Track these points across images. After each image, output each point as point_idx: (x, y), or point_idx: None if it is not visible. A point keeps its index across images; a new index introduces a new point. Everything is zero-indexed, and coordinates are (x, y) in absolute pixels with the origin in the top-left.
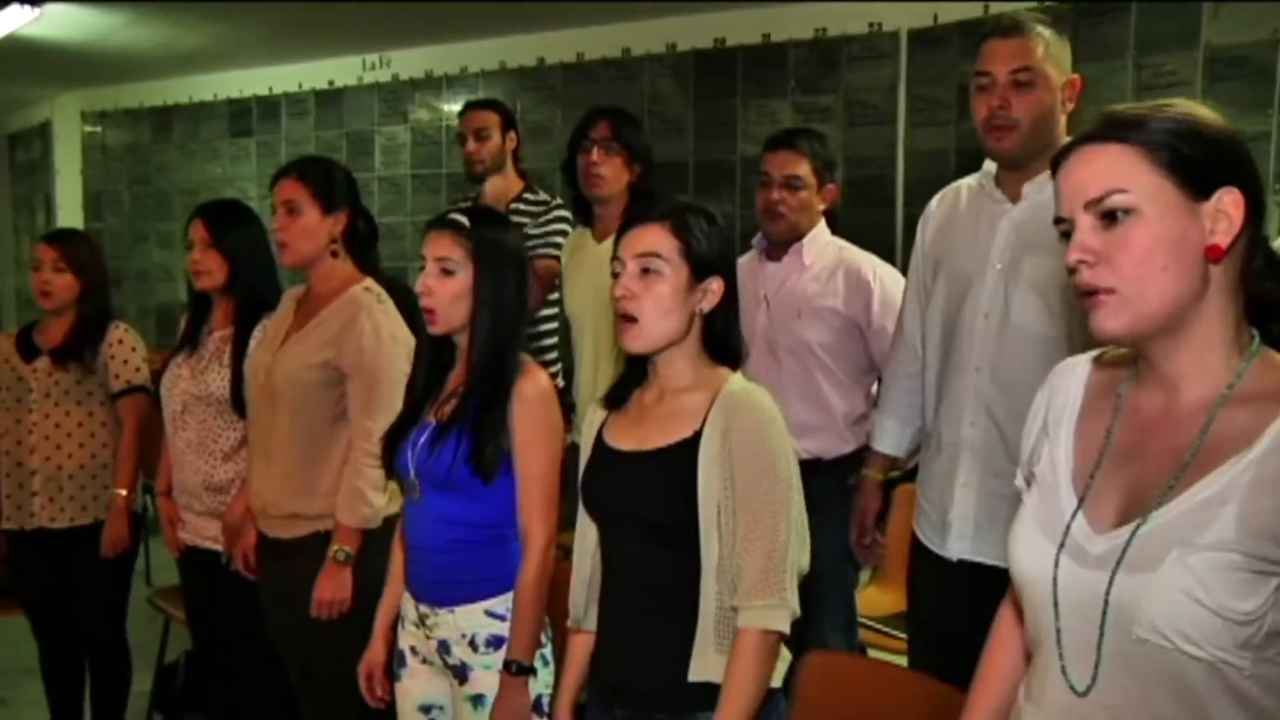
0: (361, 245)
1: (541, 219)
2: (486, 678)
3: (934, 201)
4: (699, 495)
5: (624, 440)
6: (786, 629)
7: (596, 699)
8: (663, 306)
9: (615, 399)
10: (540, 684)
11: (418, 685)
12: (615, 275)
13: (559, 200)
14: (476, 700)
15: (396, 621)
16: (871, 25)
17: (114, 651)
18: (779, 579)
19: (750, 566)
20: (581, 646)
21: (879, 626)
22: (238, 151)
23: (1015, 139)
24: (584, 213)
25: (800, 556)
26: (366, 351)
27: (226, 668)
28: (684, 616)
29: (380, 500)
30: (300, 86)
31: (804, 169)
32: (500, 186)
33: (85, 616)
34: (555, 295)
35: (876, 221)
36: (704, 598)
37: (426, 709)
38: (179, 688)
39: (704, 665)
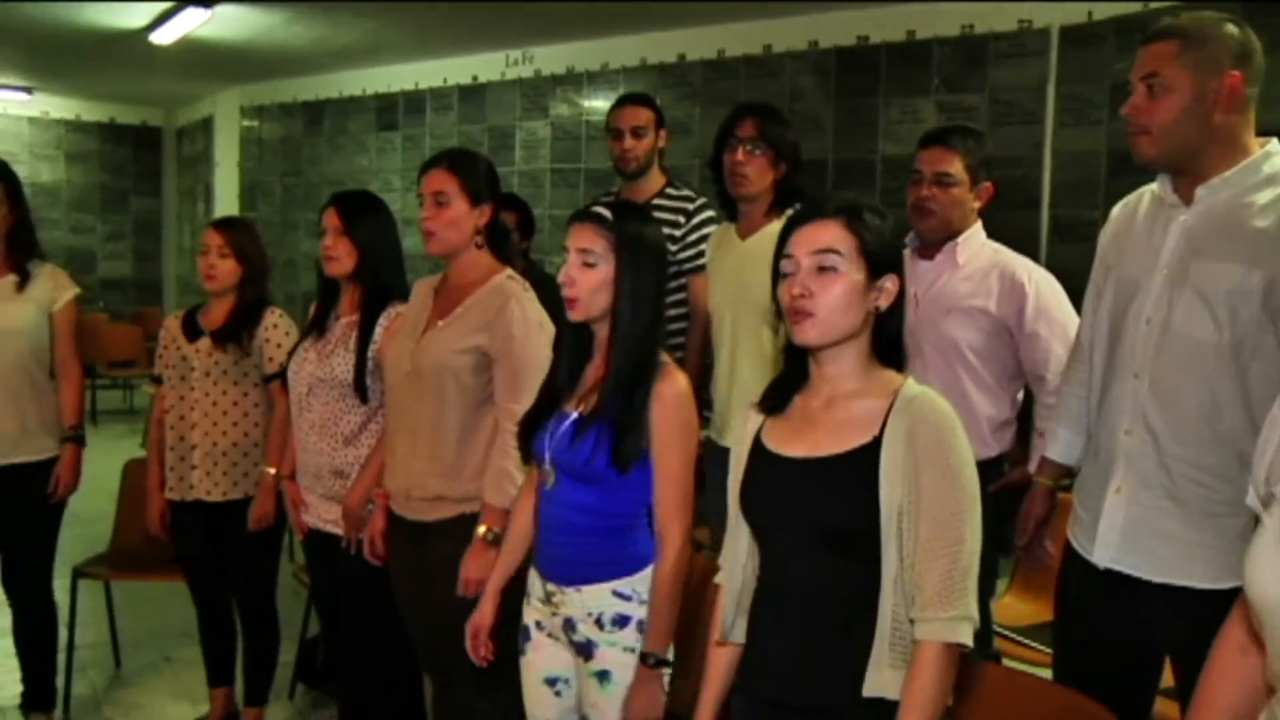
0: (500, 238)
1: (690, 222)
2: (611, 654)
3: (1116, 208)
4: (880, 502)
5: (792, 447)
6: (970, 642)
7: (750, 715)
8: (840, 305)
9: (774, 403)
10: None
11: (542, 658)
12: (785, 275)
13: (703, 199)
14: (602, 676)
15: (507, 593)
16: (1021, 22)
17: (263, 620)
18: (961, 589)
19: (932, 576)
20: (725, 660)
21: (1016, 636)
22: (383, 144)
23: (1148, 145)
24: (729, 208)
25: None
26: (516, 338)
27: (352, 645)
28: (858, 629)
29: (522, 478)
30: (445, 81)
31: (956, 166)
32: (645, 183)
33: (237, 586)
34: (679, 283)
35: (1021, 224)
36: (882, 609)
37: (551, 681)
38: (320, 660)
39: (879, 680)
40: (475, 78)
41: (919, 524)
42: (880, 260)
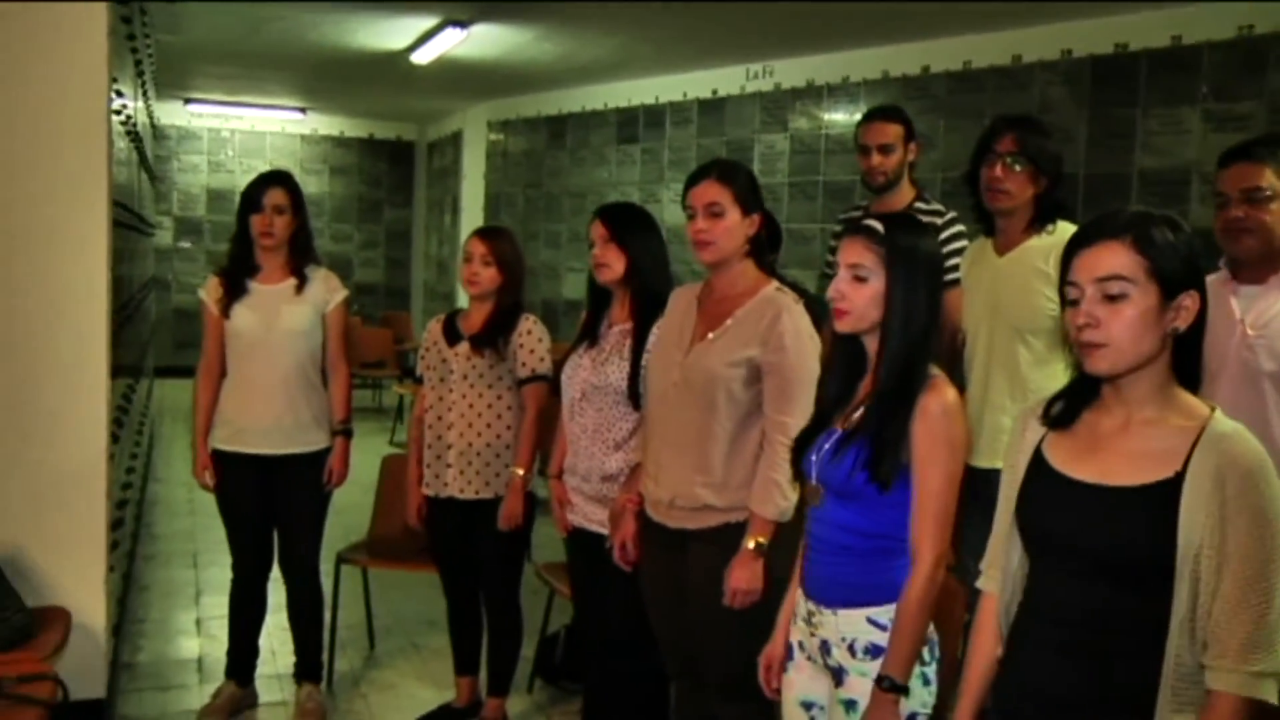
0: (761, 249)
1: (938, 237)
2: (861, 684)
3: None
4: (1179, 542)
5: (1081, 469)
6: (1274, 699)
7: None
8: (1133, 332)
9: (1060, 418)
10: (917, 702)
11: (801, 680)
12: (1072, 302)
13: (952, 213)
14: (849, 705)
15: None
16: None
17: (508, 615)
18: (1269, 643)
19: (1239, 629)
20: (986, 671)
21: None
22: (623, 158)
23: None
24: (986, 223)
25: None
26: (789, 350)
27: (604, 645)
28: (1128, 665)
29: (794, 495)
30: (685, 95)
31: (1267, 178)
32: (893, 197)
33: (485, 580)
34: None
35: None
36: (1169, 652)
37: (807, 706)
38: (558, 657)
39: None
40: (715, 91)
41: (1225, 572)
42: (1175, 279)
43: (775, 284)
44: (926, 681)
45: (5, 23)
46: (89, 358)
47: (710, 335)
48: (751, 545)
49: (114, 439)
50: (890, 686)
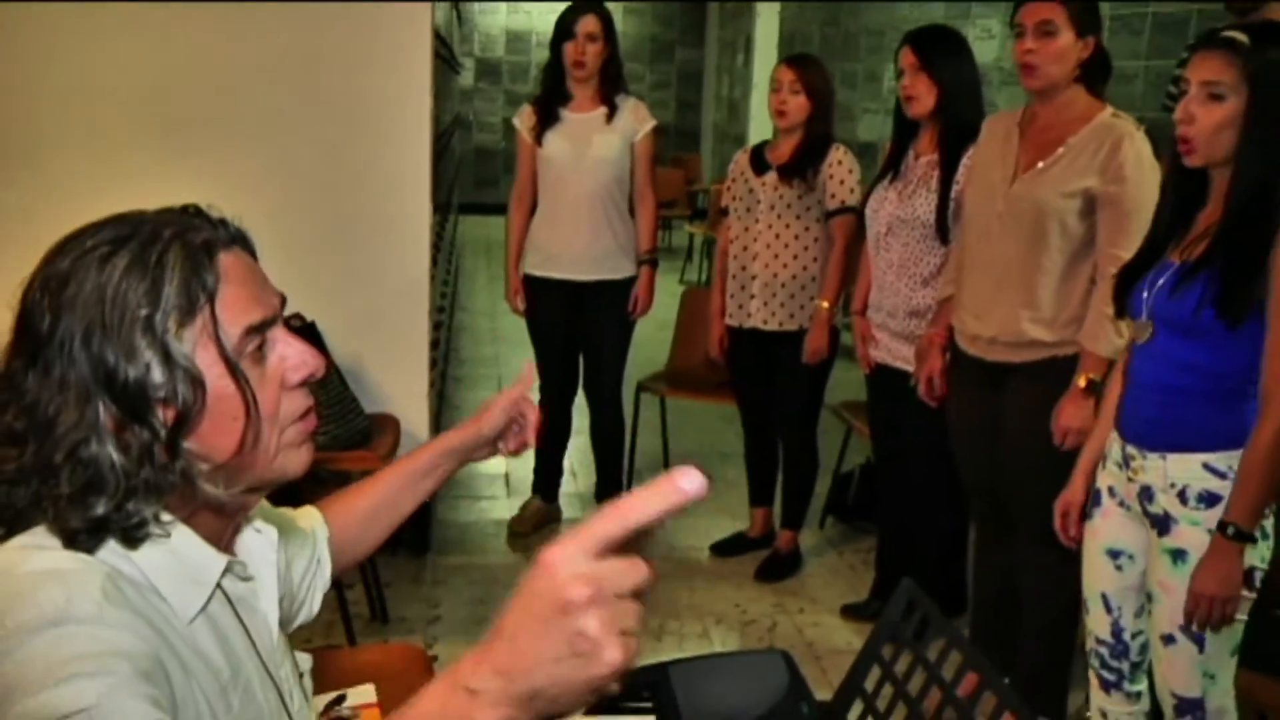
0: (1095, 75)
1: None
2: (1192, 533)
3: None
4: None
5: None
6: None
7: None
8: None
9: None
10: (1256, 556)
11: (1109, 527)
12: None
13: None
14: (1176, 555)
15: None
16: None
17: (804, 450)
18: None
19: None
20: None
21: None
22: None
23: None
24: None
25: None
26: (1130, 180)
27: (902, 485)
28: None
29: (1126, 332)
30: None
31: None
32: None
33: (783, 415)
34: None
35: None
36: None
37: (1114, 554)
38: (852, 496)
39: None
40: None
41: None
42: None
43: (1111, 110)
44: (1265, 535)
45: None
46: (414, 184)
47: (1040, 164)
48: (1083, 383)
49: (433, 262)
50: (1235, 534)
